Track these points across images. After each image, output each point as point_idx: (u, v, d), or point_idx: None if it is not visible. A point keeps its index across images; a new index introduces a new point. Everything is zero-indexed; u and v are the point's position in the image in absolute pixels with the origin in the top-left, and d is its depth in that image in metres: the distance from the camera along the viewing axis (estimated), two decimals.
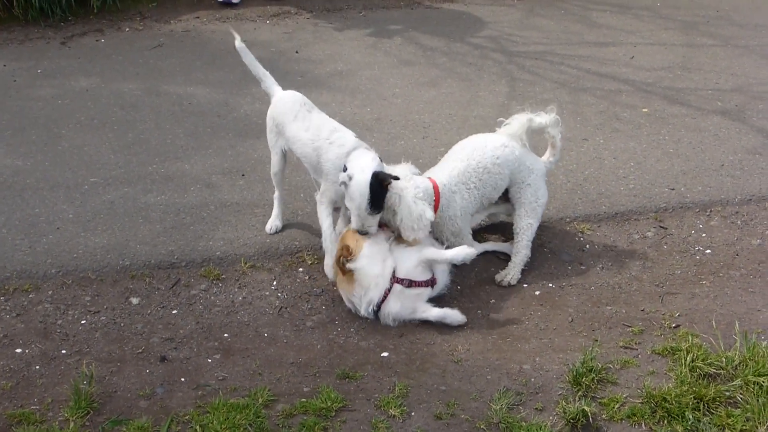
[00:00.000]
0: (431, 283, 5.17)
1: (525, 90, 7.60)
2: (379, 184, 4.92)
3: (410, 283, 5.07)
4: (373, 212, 4.99)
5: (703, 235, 5.93)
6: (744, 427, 4.35)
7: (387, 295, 5.06)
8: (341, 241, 5.12)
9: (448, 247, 5.28)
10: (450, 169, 5.39)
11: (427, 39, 8.54)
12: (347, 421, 4.40)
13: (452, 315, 5.10)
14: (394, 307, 5.05)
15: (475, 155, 5.42)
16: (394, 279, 5.05)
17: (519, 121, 5.48)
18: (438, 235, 5.43)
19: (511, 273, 5.52)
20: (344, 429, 4.34)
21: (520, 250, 5.52)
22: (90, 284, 5.35)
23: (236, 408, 4.41)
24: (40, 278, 5.38)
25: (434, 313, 5.09)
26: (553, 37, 8.68)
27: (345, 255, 5.02)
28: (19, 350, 4.87)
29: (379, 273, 5.02)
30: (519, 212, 5.53)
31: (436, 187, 5.23)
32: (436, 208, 5.21)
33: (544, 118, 5.50)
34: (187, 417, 4.40)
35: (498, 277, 5.52)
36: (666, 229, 5.98)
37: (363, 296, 5.05)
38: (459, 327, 5.09)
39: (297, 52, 8.20)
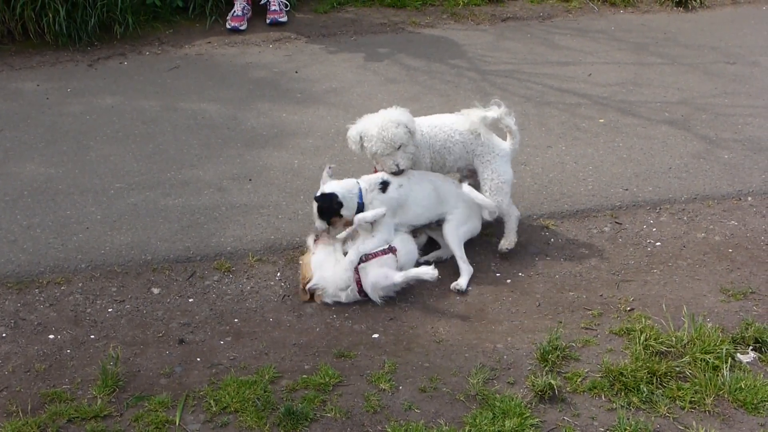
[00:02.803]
0: (390, 250, 5.15)
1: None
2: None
3: (366, 257, 5.06)
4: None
5: (654, 229, 5.91)
6: (693, 399, 4.35)
7: (359, 280, 5.05)
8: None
9: None
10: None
11: (410, 60, 8.51)
12: (343, 394, 4.39)
13: (422, 272, 5.08)
14: (369, 281, 5.03)
15: (435, 116, 5.69)
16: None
17: (473, 118, 5.43)
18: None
19: (509, 239, 5.52)
20: (341, 401, 4.33)
21: (509, 218, 5.53)
22: (116, 277, 5.31)
23: (246, 384, 4.40)
24: (71, 272, 5.34)
25: (400, 277, 5.07)
26: (520, 58, 8.64)
27: (304, 282, 5.06)
28: (51, 336, 4.84)
29: (337, 271, 5.04)
30: (485, 192, 5.44)
31: None
32: None
33: (494, 113, 5.42)
34: (202, 392, 4.38)
35: (499, 247, 5.53)
36: (621, 224, 5.96)
37: (337, 294, 5.06)
38: (441, 311, 5.06)
39: (297, 72, 8.16)
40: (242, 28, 9.00)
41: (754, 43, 9.15)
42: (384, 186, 5.27)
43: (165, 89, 7.76)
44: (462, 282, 5.24)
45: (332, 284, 5.03)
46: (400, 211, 5.29)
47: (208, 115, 7.27)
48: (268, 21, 9.14)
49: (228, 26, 9.00)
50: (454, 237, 5.35)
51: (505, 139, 5.60)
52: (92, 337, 4.83)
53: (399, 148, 5.22)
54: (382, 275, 5.04)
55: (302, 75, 8.11)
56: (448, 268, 5.45)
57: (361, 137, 5.28)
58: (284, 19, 9.17)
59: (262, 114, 7.32)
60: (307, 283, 5.03)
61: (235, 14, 9.02)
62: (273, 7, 9.15)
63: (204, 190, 6.17)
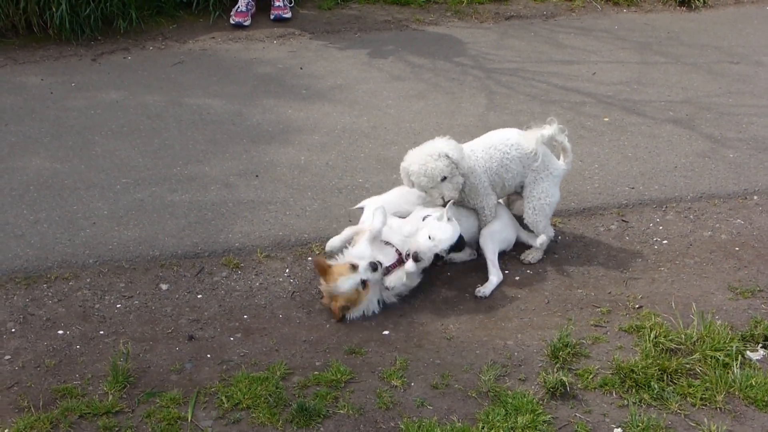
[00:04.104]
0: (400, 261, 5.12)
1: (501, 102, 7.57)
2: None
3: (386, 271, 5.06)
4: None
5: (660, 228, 5.92)
6: (704, 396, 4.37)
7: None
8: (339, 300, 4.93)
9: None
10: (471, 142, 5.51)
11: (415, 57, 8.50)
12: (355, 391, 4.39)
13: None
14: (391, 285, 5.07)
15: (490, 134, 5.52)
16: None
17: (532, 138, 5.35)
18: (461, 198, 5.37)
19: (534, 254, 5.53)
20: (353, 398, 4.34)
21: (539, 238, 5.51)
22: (124, 272, 5.30)
23: (257, 380, 4.40)
24: (79, 267, 5.32)
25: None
26: (524, 56, 8.65)
27: (347, 309, 4.95)
28: (61, 332, 4.83)
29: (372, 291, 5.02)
30: (527, 208, 5.46)
31: None
32: None
33: (550, 131, 5.37)
34: (213, 389, 4.38)
35: (522, 256, 5.55)
36: (627, 222, 5.97)
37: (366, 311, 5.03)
38: (451, 309, 5.09)
39: (301, 68, 8.15)
40: (246, 23, 8.98)
41: (757, 43, 9.16)
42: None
43: (169, 84, 7.75)
44: (487, 289, 5.23)
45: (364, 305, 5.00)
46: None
47: (213, 111, 7.25)
48: (272, 17, 9.12)
49: (232, 21, 8.98)
50: (490, 244, 5.38)
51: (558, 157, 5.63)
52: (101, 332, 4.82)
53: (443, 180, 5.14)
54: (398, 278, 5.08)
55: (307, 71, 8.10)
56: (458, 265, 5.47)
57: (407, 173, 5.24)
58: (288, 15, 9.15)
59: (267, 110, 7.31)
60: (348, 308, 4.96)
61: (239, 10, 9.00)
62: (277, 3, 9.12)
63: (211, 186, 6.15)
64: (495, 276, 5.28)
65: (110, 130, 6.90)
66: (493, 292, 5.23)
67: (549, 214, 5.51)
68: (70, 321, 4.91)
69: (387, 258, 5.10)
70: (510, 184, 5.46)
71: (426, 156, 5.13)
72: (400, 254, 5.13)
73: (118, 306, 5.04)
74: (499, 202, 5.62)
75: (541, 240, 5.44)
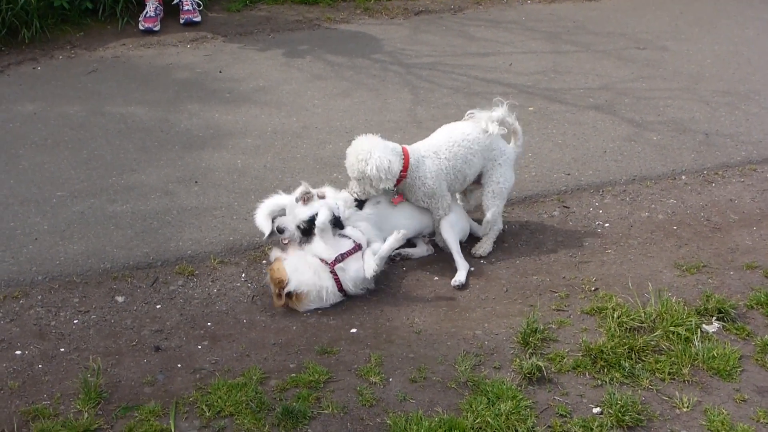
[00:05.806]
0: (358, 247, 5.17)
1: (426, 96, 7.67)
2: None
3: (342, 257, 5.08)
4: None
5: (600, 211, 6.11)
6: (671, 370, 4.55)
7: (337, 279, 5.06)
8: (270, 278, 5.01)
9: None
10: (425, 141, 5.50)
11: (332, 56, 8.52)
12: (335, 390, 4.39)
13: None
14: (350, 277, 5.07)
15: (447, 131, 5.52)
16: (330, 264, 5.05)
17: (483, 119, 5.46)
18: (413, 199, 5.43)
19: (483, 246, 5.61)
20: (335, 397, 4.34)
21: (493, 225, 5.60)
22: (76, 287, 5.16)
23: (235, 387, 4.35)
24: (28, 285, 5.16)
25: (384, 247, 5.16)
26: (440, 50, 8.77)
27: (280, 287, 4.93)
28: (18, 352, 4.66)
29: (314, 272, 5.01)
30: (486, 192, 5.56)
31: (405, 150, 5.29)
32: (405, 168, 5.24)
33: (500, 111, 5.48)
34: (191, 398, 4.31)
35: (473, 250, 5.60)
36: (568, 208, 6.14)
37: (320, 295, 5.01)
38: (413, 303, 5.12)
39: (220, 71, 8.06)
40: (156, 29, 8.83)
41: (658, 29, 9.53)
42: (360, 204, 5.34)
43: (87, 93, 7.56)
44: (460, 277, 5.30)
45: (314, 286, 4.99)
46: (384, 223, 5.37)
47: (138, 118, 7.12)
48: (181, 21, 8.99)
49: (141, 27, 8.82)
50: (450, 234, 5.45)
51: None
52: (62, 350, 4.68)
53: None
54: (360, 269, 5.07)
55: (227, 74, 8.03)
56: (413, 261, 5.53)
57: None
58: (198, 18, 9.04)
59: (193, 115, 7.21)
60: (284, 287, 4.94)
61: (147, 15, 8.85)
62: (186, 7, 9.01)
63: (150, 195, 6.04)
64: (462, 265, 5.37)
65: (34, 143, 6.69)
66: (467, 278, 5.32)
67: (506, 196, 5.65)
68: (26, 340, 4.75)
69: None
70: (471, 177, 5.57)
71: (355, 155, 5.21)
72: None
73: (75, 321, 4.90)
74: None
75: (491, 213, 5.53)
